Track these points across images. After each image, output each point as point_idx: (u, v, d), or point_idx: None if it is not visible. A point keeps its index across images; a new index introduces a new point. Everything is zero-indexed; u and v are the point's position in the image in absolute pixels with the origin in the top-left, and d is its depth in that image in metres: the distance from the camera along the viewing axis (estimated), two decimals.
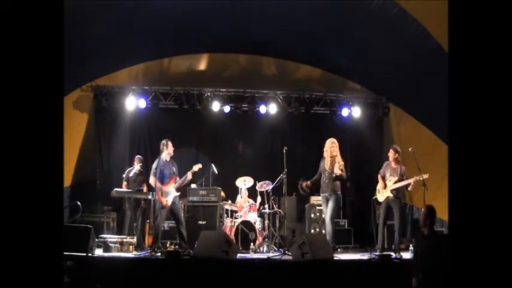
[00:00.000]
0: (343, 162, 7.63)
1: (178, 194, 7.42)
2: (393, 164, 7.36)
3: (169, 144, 7.44)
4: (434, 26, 7.06)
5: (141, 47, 9.05)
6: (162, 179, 7.31)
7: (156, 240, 7.20)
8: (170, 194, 7.28)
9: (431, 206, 4.78)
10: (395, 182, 7.22)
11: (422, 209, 4.86)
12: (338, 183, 7.55)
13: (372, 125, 10.27)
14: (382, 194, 7.43)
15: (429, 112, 9.08)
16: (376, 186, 7.78)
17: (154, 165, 7.37)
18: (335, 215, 7.52)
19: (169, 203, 7.25)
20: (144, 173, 8.74)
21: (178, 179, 7.44)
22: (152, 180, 7.29)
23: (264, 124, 10.00)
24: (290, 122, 10.03)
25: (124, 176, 8.70)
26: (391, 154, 7.43)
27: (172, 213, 7.36)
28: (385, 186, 7.37)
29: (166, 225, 8.36)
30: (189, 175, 7.50)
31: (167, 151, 7.40)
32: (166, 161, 7.41)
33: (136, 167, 8.65)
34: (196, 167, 7.57)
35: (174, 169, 7.48)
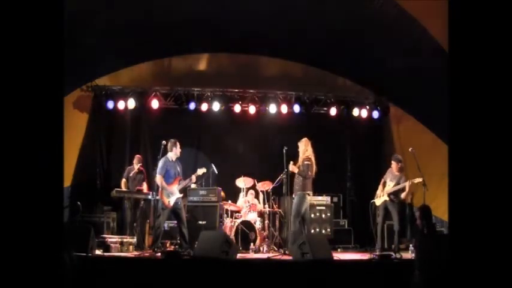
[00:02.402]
0: (301, 159, 7.41)
1: (181, 195, 7.42)
2: (395, 172, 7.43)
3: (178, 144, 7.42)
4: (434, 26, 7.07)
5: (141, 47, 9.04)
6: (167, 179, 7.28)
7: (156, 240, 7.19)
8: (174, 194, 7.26)
9: (424, 205, 4.79)
10: (393, 187, 7.32)
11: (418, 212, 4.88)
12: (302, 181, 7.31)
13: (372, 125, 10.27)
14: (380, 199, 7.51)
15: (429, 112, 9.08)
16: (376, 186, 7.82)
17: (160, 164, 7.30)
18: (297, 214, 7.21)
19: (172, 203, 7.22)
20: (144, 171, 8.73)
21: (182, 180, 7.44)
22: (159, 179, 7.24)
23: (264, 124, 10.00)
24: (290, 122, 10.03)
25: (124, 175, 8.71)
26: (394, 166, 7.47)
27: (174, 213, 7.35)
28: (383, 192, 7.47)
29: (166, 225, 8.35)
30: (193, 178, 7.52)
31: (175, 151, 7.39)
32: (172, 160, 7.40)
33: (136, 166, 8.65)
34: (201, 171, 7.59)
35: (178, 169, 7.46)
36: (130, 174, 8.60)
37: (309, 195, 7.35)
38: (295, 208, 7.23)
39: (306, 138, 7.57)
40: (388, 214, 7.47)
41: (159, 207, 7.27)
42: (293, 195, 7.39)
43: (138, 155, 8.87)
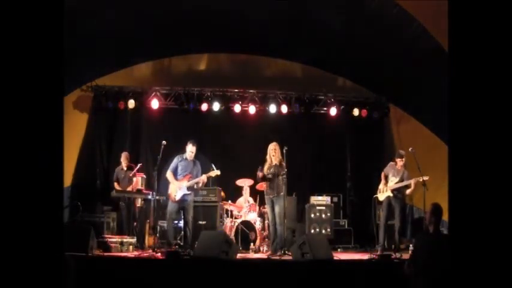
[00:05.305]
0: (279, 161, 7.47)
1: (189, 192, 7.48)
2: (398, 167, 7.45)
3: (189, 146, 7.57)
4: (434, 26, 7.07)
5: (141, 47, 9.05)
6: (175, 175, 7.55)
7: (168, 239, 7.48)
8: (181, 189, 7.41)
9: (437, 203, 4.77)
10: (397, 183, 7.32)
11: (429, 207, 4.85)
12: (278, 183, 7.36)
13: (372, 125, 10.27)
14: (383, 194, 7.51)
15: (429, 112, 9.09)
16: (376, 185, 7.83)
17: (174, 160, 7.63)
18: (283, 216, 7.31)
19: (178, 198, 7.38)
20: (134, 166, 8.61)
21: (192, 178, 7.52)
22: (168, 174, 7.57)
23: (264, 124, 10.00)
24: (290, 122, 10.03)
25: (114, 177, 8.68)
26: (398, 161, 7.49)
27: (181, 210, 7.51)
28: (386, 186, 7.46)
29: (166, 225, 8.35)
30: (205, 178, 7.54)
31: (188, 151, 7.58)
32: (186, 159, 7.59)
33: (124, 163, 8.61)
34: (214, 173, 7.60)
35: (193, 169, 7.58)
36: (121, 175, 8.58)
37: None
38: (283, 209, 7.25)
39: (276, 142, 7.60)
40: (391, 211, 7.49)
41: (169, 209, 7.50)
42: (273, 197, 7.38)
43: (124, 152, 8.83)
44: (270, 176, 7.41)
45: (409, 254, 6.90)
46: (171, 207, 7.49)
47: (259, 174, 7.50)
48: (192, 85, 9.83)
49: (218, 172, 7.66)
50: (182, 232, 7.63)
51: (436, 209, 4.58)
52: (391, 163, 7.70)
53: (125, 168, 8.58)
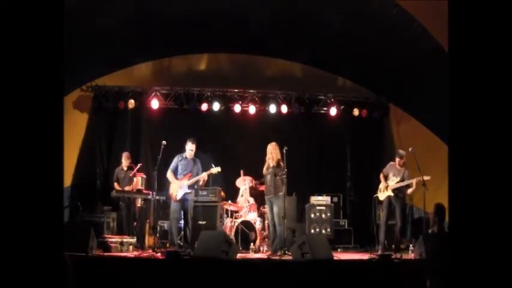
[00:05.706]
0: (276, 162, 7.47)
1: (190, 191, 7.50)
2: (398, 166, 7.47)
3: (189, 144, 7.63)
4: (434, 26, 7.08)
5: (141, 47, 9.05)
6: (176, 175, 7.62)
7: (172, 241, 7.52)
8: (181, 188, 7.46)
9: (440, 203, 4.76)
10: (398, 183, 7.33)
11: (433, 207, 4.84)
12: (277, 183, 7.37)
13: (372, 125, 10.26)
14: (383, 193, 7.51)
15: (429, 112, 9.09)
16: (376, 185, 7.83)
17: (174, 160, 7.68)
18: (282, 215, 7.31)
19: (179, 197, 7.42)
20: (134, 167, 8.61)
21: (192, 176, 7.56)
22: (168, 174, 7.64)
23: (264, 124, 10.00)
24: (290, 122, 10.03)
25: (114, 177, 8.67)
26: (397, 161, 7.52)
27: (182, 209, 7.54)
28: (387, 186, 7.47)
29: (166, 225, 8.36)
30: (205, 176, 7.56)
31: (187, 149, 7.62)
32: (185, 158, 7.64)
33: (125, 163, 8.60)
34: (215, 170, 7.65)
35: (193, 168, 7.62)
36: (120, 175, 8.57)
37: None
38: (282, 209, 7.25)
39: (275, 143, 7.60)
40: (392, 210, 7.50)
41: (171, 209, 7.53)
42: (270, 197, 7.40)
43: (125, 152, 8.82)
44: (268, 176, 7.46)
45: (409, 254, 6.96)
46: (173, 207, 7.53)
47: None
48: (192, 85, 9.83)
49: (219, 169, 7.69)
50: (182, 232, 7.64)
51: (439, 209, 4.59)
52: (391, 163, 7.72)
53: (125, 168, 8.58)
